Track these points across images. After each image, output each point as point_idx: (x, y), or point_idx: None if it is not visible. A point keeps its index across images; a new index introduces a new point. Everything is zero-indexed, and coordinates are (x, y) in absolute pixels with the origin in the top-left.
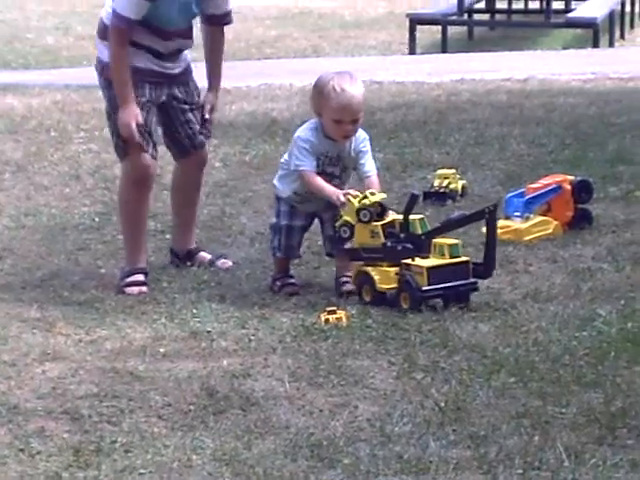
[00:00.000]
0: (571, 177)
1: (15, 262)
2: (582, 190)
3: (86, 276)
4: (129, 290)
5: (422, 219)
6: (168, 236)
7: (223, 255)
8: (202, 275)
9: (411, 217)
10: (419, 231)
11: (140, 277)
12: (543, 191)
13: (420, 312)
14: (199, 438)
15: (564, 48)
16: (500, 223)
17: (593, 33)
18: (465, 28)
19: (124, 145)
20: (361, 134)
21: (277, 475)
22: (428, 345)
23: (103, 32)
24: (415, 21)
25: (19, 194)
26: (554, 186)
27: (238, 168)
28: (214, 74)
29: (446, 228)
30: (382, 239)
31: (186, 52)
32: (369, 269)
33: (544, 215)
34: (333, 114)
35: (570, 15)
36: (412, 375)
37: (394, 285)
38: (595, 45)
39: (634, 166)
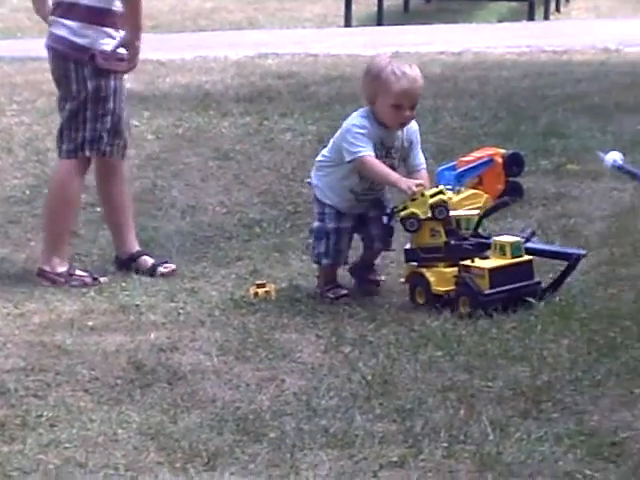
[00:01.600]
0: (503, 150)
1: None
2: (513, 163)
3: (15, 249)
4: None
5: (470, 218)
6: (99, 209)
7: (166, 260)
8: None
9: (464, 213)
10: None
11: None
12: (474, 164)
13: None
14: (125, 412)
15: (499, 21)
16: None
17: (529, 6)
18: (401, 1)
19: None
20: (413, 124)
21: (203, 449)
22: (356, 319)
23: (96, 17)
24: None
25: None
26: (485, 159)
27: (171, 141)
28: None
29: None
30: (444, 237)
31: None
32: (424, 270)
33: (475, 188)
34: (393, 99)
35: None
36: (340, 349)
37: (451, 287)
38: (530, 18)
39: (566, 139)
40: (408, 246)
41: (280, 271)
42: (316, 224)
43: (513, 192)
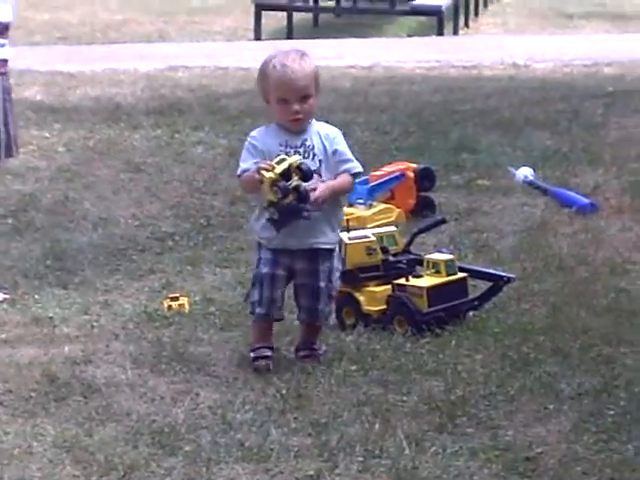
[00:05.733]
0: (414, 165)
1: None
2: (425, 178)
3: None
4: None
5: (393, 235)
6: (10, 220)
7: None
8: (44, 260)
9: (385, 230)
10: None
11: None
12: (386, 179)
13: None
14: (40, 425)
15: (409, 36)
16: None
17: (438, 21)
18: (310, 15)
19: None
20: (329, 130)
21: (118, 462)
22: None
23: None
24: (260, 7)
25: None
26: (397, 174)
27: (82, 153)
28: None
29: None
30: (381, 255)
31: None
32: (351, 290)
33: (387, 203)
34: (276, 93)
35: (415, 2)
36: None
37: (382, 307)
38: (440, 33)
39: (476, 154)
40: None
41: (193, 284)
42: (254, 271)
43: (425, 207)
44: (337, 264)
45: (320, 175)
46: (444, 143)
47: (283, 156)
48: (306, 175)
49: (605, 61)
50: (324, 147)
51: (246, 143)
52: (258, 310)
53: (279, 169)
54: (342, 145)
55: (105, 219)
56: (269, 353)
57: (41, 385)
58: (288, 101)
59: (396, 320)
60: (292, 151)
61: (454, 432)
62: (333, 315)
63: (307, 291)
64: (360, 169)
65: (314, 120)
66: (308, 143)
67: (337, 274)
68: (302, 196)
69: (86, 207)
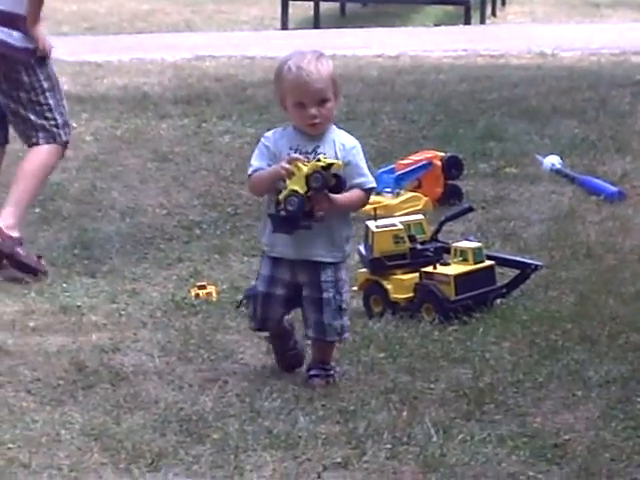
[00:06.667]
0: (441, 153)
1: None
2: (452, 166)
3: None
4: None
5: (420, 223)
6: (38, 210)
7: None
8: (72, 249)
9: (413, 218)
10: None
11: None
12: (413, 167)
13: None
14: (68, 413)
15: (436, 25)
16: (370, 199)
17: (465, 10)
18: (337, 4)
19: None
20: (349, 141)
21: (146, 449)
22: (299, 320)
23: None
24: None
25: None
26: (424, 162)
27: (109, 142)
28: None
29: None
30: (408, 243)
31: None
32: (379, 278)
33: (414, 191)
34: (292, 97)
35: None
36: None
37: (410, 295)
38: (467, 22)
39: (504, 143)
40: (365, 254)
41: (221, 273)
42: (253, 284)
43: (452, 195)
44: (345, 276)
45: None
46: (471, 132)
47: (321, 156)
48: (342, 184)
49: (632, 50)
50: (336, 157)
51: (259, 143)
52: (251, 325)
53: (323, 163)
54: (358, 157)
55: (132, 208)
56: (290, 352)
57: (69, 373)
58: (305, 105)
59: (424, 308)
60: (302, 156)
61: (482, 419)
62: (347, 333)
63: (311, 304)
64: (374, 184)
65: (334, 127)
66: (320, 150)
67: (346, 286)
68: (342, 182)
69: (114, 196)
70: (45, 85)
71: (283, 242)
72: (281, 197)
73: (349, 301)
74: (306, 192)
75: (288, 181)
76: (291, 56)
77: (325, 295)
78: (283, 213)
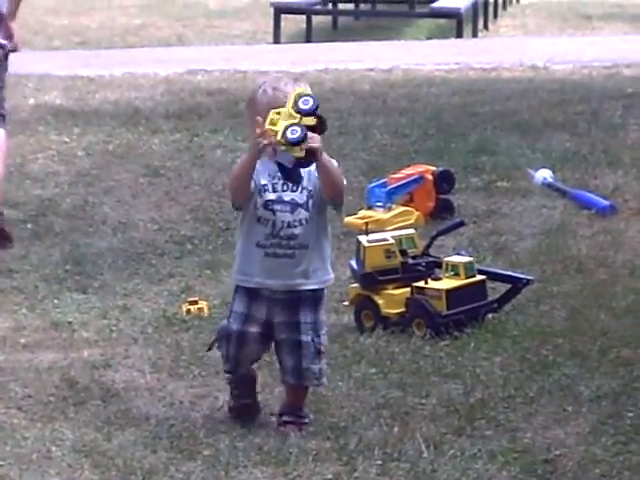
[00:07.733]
0: (433, 167)
1: None
2: (444, 180)
3: None
4: None
5: (412, 237)
6: (30, 225)
7: None
8: (64, 265)
9: (404, 233)
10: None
11: None
12: (405, 181)
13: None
14: (59, 429)
15: (428, 38)
16: (362, 213)
17: (457, 23)
18: (330, 17)
19: None
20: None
21: (137, 466)
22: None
23: None
24: (280, 10)
25: None
26: (416, 176)
27: (101, 157)
28: None
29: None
30: (400, 258)
31: None
32: (370, 292)
33: (406, 205)
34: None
35: (434, 5)
36: (273, 365)
37: (401, 309)
38: (459, 35)
39: (495, 157)
40: (356, 269)
41: (212, 288)
42: (223, 321)
43: (444, 209)
44: (323, 316)
45: (307, 210)
46: (463, 145)
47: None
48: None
49: (624, 62)
50: (315, 181)
51: None
52: (225, 367)
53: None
54: None
55: (124, 223)
56: (249, 401)
57: (60, 389)
58: None
59: (415, 323)
60: (280, 182)
61: (473, 435)
62: (324, 378)
63: (288, 347)
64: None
65: None
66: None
67: (324, 328)
68: (323, 122)
69: (105, 211)
70: (5, 79)
71: (262, 269)
72: (279, 137)
73: (327, 344)
74: (300, 119)
75: (274, 127)
76: (266, 80)
77: (304, 338)
78: (283, 148)
